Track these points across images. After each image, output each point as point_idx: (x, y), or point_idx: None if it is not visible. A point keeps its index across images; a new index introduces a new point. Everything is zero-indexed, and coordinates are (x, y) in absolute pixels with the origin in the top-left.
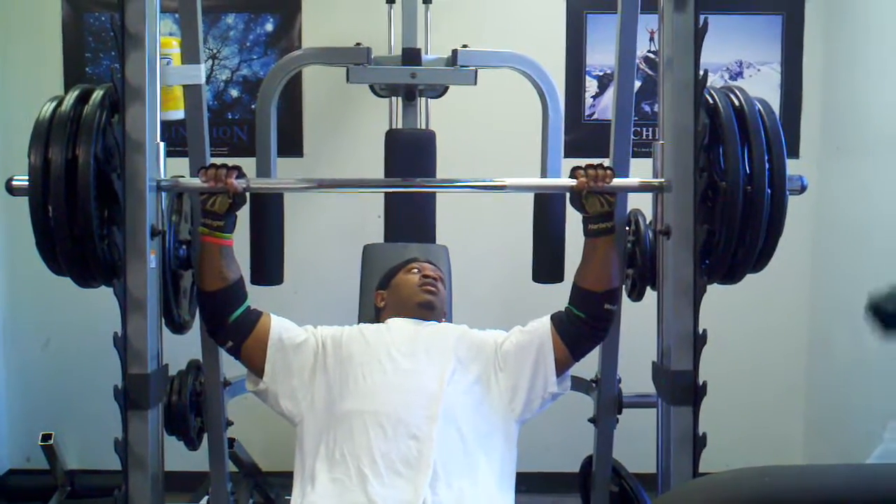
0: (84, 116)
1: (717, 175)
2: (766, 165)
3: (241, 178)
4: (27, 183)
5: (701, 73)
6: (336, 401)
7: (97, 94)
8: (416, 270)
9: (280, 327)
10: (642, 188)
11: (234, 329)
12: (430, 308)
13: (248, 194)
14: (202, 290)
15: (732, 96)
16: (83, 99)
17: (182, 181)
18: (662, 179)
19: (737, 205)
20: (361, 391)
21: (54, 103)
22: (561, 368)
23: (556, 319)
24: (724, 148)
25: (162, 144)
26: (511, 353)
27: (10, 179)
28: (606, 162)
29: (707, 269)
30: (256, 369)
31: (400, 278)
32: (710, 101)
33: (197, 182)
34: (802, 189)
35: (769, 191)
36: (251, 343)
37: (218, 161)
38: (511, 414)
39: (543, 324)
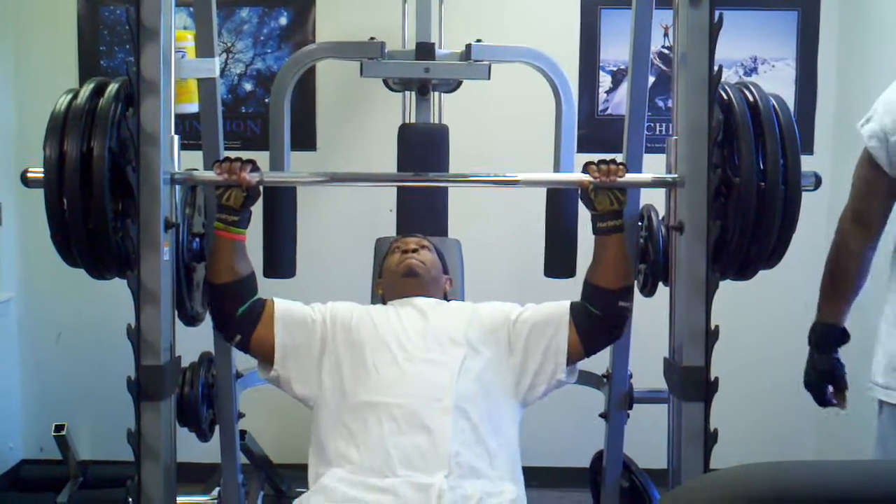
0: (99, 109)
1: (731, 171)
2: (781, 162)
3: (255, 171)
4: (42, 175)
5: (715, 68)
6: (348, 390)
7: (112, 88)
8: (398, 249)
9: (284, 311)
10: (655, 184)
11: (241, 322)
12: (412, 274)
13: (261, 189)
14: (211, 283)
15: (747, 92)
16: (98, 92)
17: (196, 174)
18: (676, 175)
19: (750, 201)
20: (374, 384)
21: (70, 96)
22: (572, 359)
23: (574, 310)
24: (738, 144)
25: (176, 137)
26: (523, 333)
27: (26, 171)
28: (619, 157)
29: (720, 265)
30: (267, 357)
31: (386, 261)
32: (725, 97)
33: (211, 175)
34: (817, 185)
35: (783, 187)
36: (258, 334)
37: (232, 154)
38: (515, 397)
39: (562, 309)
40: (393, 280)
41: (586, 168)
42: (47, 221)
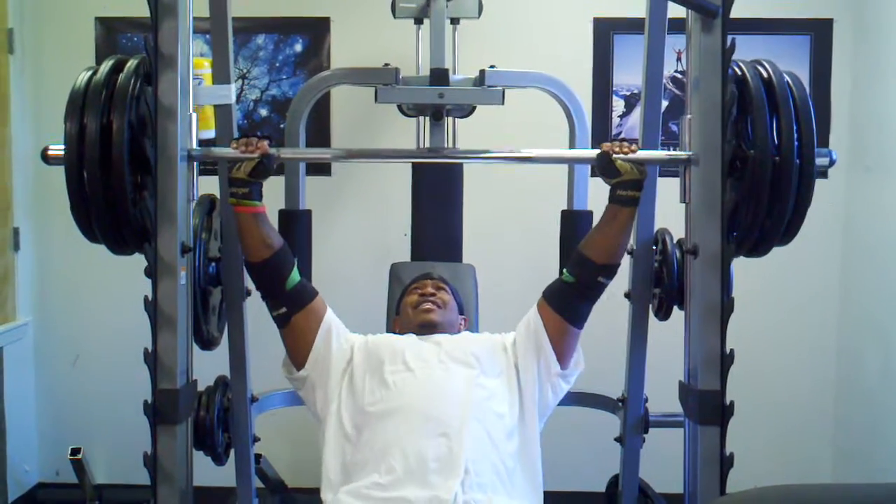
0: (118, 85)
1: (746, 145)
2: (795, 136)
3: (272, 147)
4: (63, 152)
5: (728, 42)
6: (364, 404)
7: (131, 64)
8: (417, 290)
9: (333, 318)
10: (669, 160)
11: (291, 297)
12: (429, 326)
13: (274, 165)
14: (250, 263)
15: (761, 68)
16: (117, 68)
17: (214, 150)
18: (690, 152)
19: (765, 175)
20: (390, 394)
21: (89, 73)
22: (559, 344)
23: (547, 291)
24: (752, 117)
25: (194, 115)
26: (519, 350)
27: (46, 148)
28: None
29: (734, 240)
30: (299, 351)
31: (404, 302)
32: (739, 73)
33: (229, 151)
34: (831, 163)
35: (797, 161)
36: (303, 318)
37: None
38: (535, 409)
39: (532, 310)
40: (410, 325)
41: (601, 147)
42: (68, 196)
